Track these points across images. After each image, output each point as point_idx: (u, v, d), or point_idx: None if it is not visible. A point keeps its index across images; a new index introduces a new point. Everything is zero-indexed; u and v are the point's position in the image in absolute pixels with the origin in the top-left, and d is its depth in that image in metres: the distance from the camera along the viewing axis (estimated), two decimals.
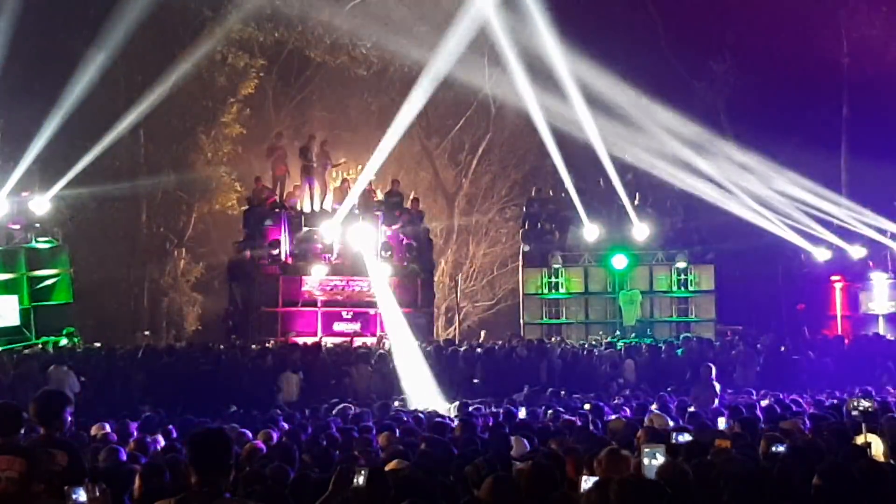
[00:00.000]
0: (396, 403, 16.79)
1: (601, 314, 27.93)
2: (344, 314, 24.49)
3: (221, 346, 21.93)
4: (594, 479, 5.83)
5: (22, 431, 7.26)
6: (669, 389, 17.49)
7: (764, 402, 14.08)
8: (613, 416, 12.13)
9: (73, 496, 5.26)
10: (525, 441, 9.04)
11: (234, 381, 18.55)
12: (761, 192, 27.32)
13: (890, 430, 8.70)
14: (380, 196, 26.75)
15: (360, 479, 5.77)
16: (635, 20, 32.51)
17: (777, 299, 28.16)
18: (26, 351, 19.79)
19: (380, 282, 23.98)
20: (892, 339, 23.96)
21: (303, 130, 31.28)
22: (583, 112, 26.31)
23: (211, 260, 32.24)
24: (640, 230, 27.27)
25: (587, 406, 14.23)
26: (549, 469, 6.30)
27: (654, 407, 13.81)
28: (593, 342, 24.16)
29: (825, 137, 30.66)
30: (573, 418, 11.95)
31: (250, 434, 10.34)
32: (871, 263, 27.09)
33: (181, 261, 32.07)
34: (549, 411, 13.65)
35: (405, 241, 25.76)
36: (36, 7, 25.70)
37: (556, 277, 27.92)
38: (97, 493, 5.21)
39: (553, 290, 28.04)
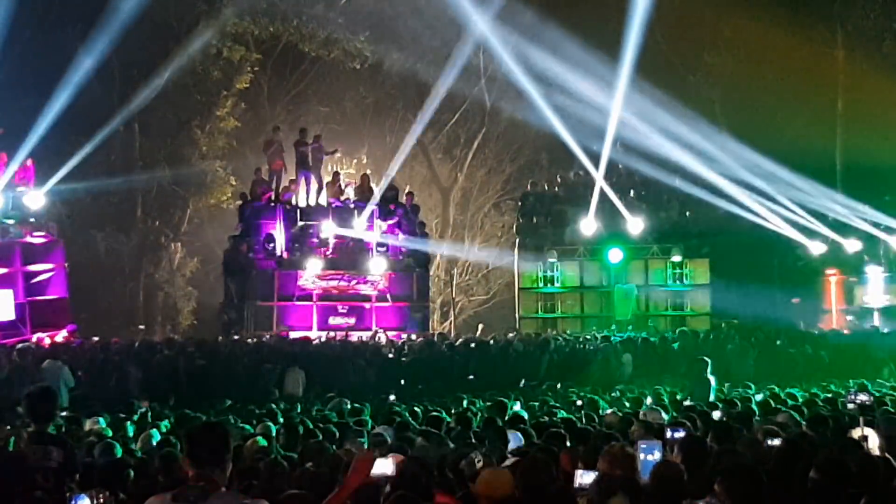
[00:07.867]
0: (392, 397, 16.76)
1: (596, 308, 27.92)
2: (339, 309, 24.47)
3: (219, 339, 21.89)
4: (590, 472, 5.83)
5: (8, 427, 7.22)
6: (665, 383, 17.49)
7: (759, 396, 14.07)
8: (609, 411, 12.11)
9: (77, 503, 5.19)
10: (521, 435, 9.03)
11: (230, 376, 18.52)
12: (756, 186, 27.30)
13: (885, 424, 8.70)
14: (375, 190, 26.69)
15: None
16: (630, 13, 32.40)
17: (772, 293, 28.14)
18: (21, 345, 19.73)
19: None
20: (887, 331, 23.97)
21: (298, 124, 31.25)
22: (576, 104, 26.32)
23: (206, 254, 32.23)
24: (634, 224, 27.25)
25: (583, 400, 14.20)
26: (544, 463, 6.30)
27: (648, 401, 13.81)
28: (588, 336, 24.13)
29: (820, 131, 30.63)
30: (569, 412, 11.95)
31: (248, 428, 10.34)
32: (866, 257, 27.13)
33: (176, 255, 32.04)
34: (545, 405, 13.64)
35: (400, 236, 25.72)
36: (30, 1, 25.61)
37: (552, 271, 27.90)
38: (101, 501, 5.15)
39: (548, 284, 28.01)
